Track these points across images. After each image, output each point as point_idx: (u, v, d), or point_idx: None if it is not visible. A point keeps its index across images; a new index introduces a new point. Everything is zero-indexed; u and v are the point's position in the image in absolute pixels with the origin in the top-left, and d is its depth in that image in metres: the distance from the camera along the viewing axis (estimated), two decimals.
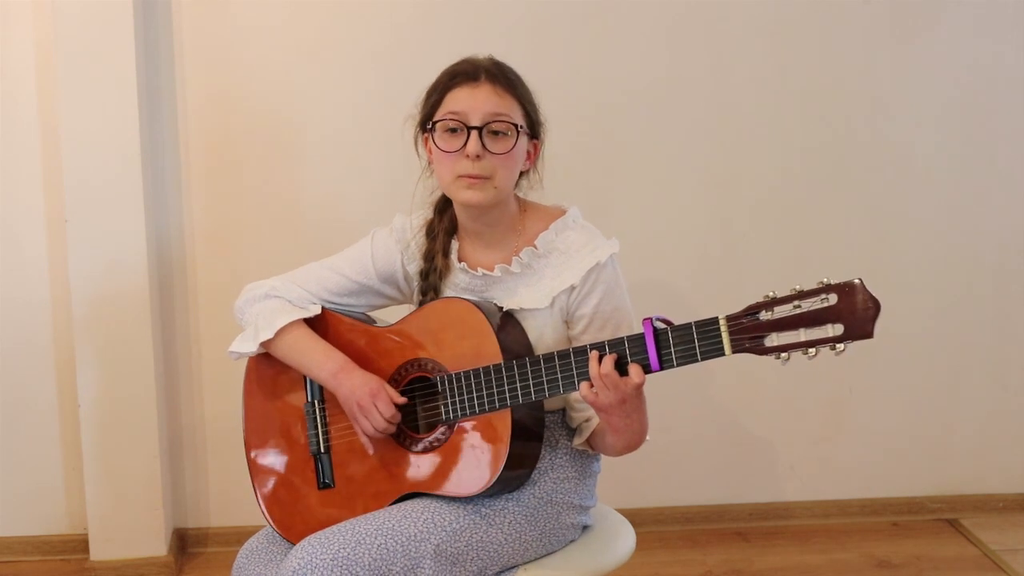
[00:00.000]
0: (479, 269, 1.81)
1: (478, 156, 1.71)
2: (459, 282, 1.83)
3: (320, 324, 1.86)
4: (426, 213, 1.88)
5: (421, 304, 1.85)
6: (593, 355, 1.62)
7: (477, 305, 1.73)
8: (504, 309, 1.78)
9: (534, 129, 1.79)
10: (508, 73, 1.76)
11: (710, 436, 3.03)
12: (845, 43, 2.88)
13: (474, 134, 1.71)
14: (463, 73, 1.75)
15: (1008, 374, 3.09)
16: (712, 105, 2.88)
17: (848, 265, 2.96)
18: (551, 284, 1.77)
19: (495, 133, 1.73)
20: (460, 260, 1.83)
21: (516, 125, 1.74)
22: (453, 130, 1.73)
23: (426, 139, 1.80)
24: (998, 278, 3.03)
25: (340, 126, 2.80)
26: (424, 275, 1.85)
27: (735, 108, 2.88)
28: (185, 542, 2.93)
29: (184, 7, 2.70)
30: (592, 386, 1.62)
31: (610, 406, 1.63)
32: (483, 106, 1.72)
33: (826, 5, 2.86)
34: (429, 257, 1.85)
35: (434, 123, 1.75)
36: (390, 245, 1.88)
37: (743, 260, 2.95)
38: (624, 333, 1.74)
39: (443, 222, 1.85)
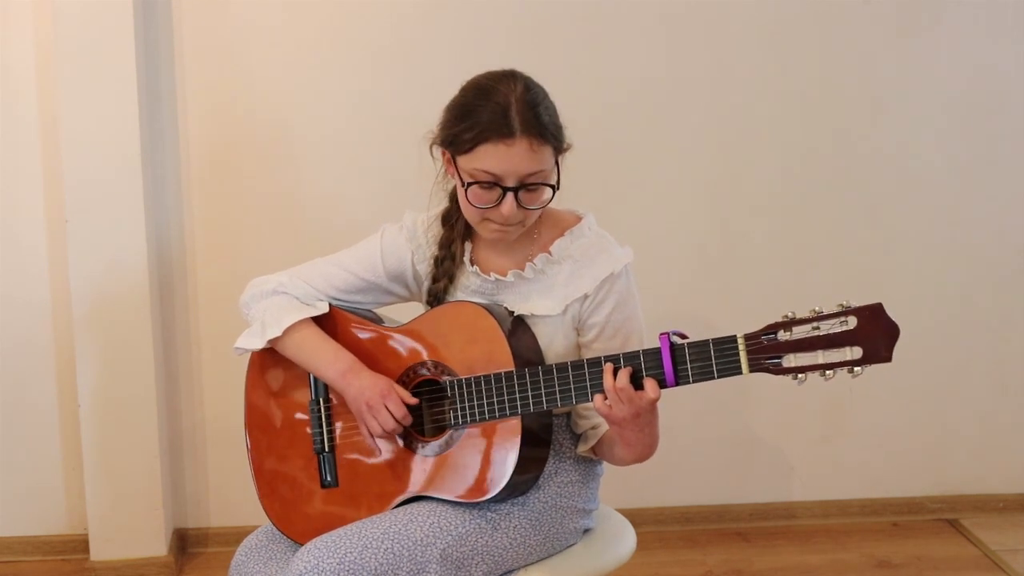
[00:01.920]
0: (491, 274, 1.79)
1: None
2: (470, 284, 1.81)
3: (327, 322, 1.84)
4: (438, 213, 1.84)
5: (428, 304, 1.84)
6: (608, 368, 1.60)
7: (488, 309, 1.71)
8: (515, 314, 1.77)
9: (560, 151, 1.72)
10: (541, 117, 1.66)
11: (710, 436, 3.03)
12: (845, 43, 2.88)
13: (510, 195, 1.66)
14: (497, 129, 1.64)
15: (1008, 374, 3.09)
16: (712, 105, 2.87)
17: (848, 265, 2.96)
18: (564, 291, 1.76)
19: (530, 188, 1.68)
20: (472, 263, 1.81)
21: (552, 185, 1.69)
22: (486, 185, 1.67)
23: (443, 150, 1.74)
24: (998, 278, 3.03)
25: (340, 126, 2.79)
26: (439, 262, 1.81)
27: (735, 108, 2.88)
28: (185, 542, 2.93)
29: (184, 7, 2.70)
30: (606, 399, 1.61)
31: (624, 420, 1.62)
32: (519, 167, 1.64)
33: (826, 5, 2.85)
34: (446, 244, 1.81)
35: (467, 184, 1.67)
36: (400, 243, 1.84)
37: (742, 261, 2.95)
38: (635, 343, 1.74)
39: (454, 231, 1.81)
